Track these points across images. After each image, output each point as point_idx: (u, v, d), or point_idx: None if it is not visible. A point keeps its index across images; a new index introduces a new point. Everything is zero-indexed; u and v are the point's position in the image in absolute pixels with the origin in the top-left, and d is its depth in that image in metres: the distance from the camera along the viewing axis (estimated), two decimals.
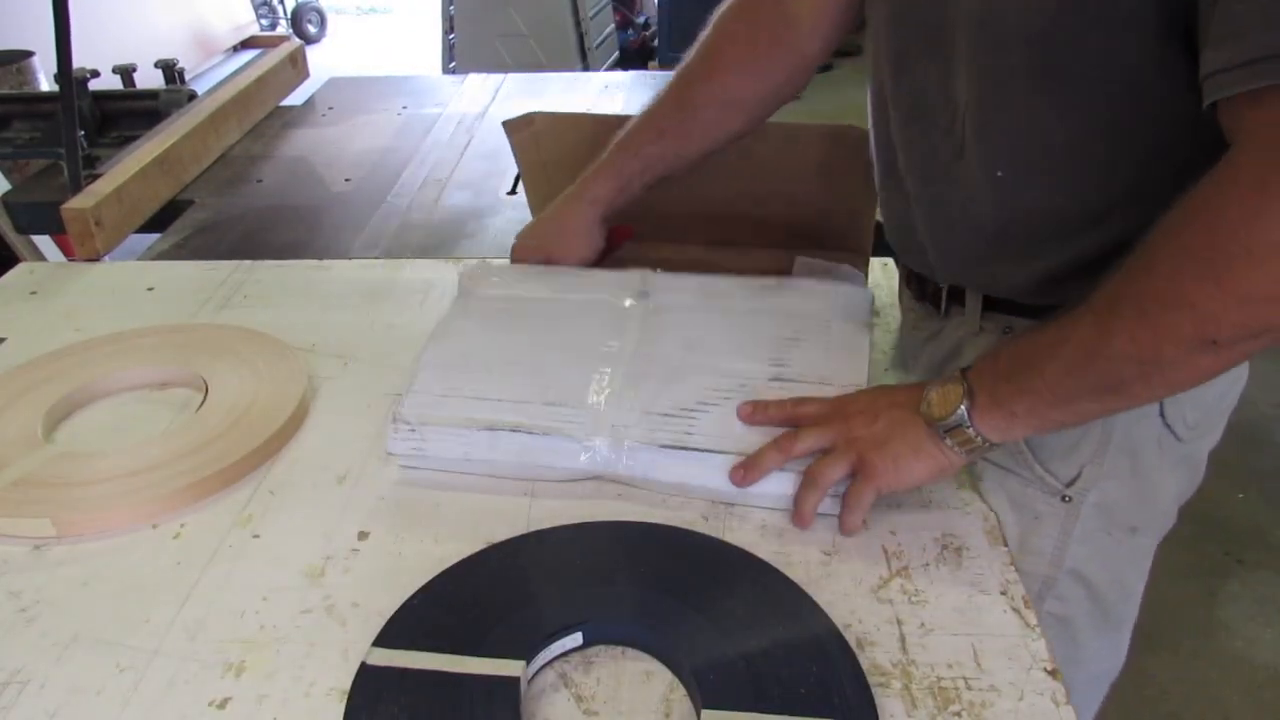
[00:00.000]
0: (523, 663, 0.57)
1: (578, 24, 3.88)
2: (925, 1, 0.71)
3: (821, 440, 0.69)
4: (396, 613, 0.61)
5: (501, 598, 0.62)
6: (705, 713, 0.54)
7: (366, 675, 0.57)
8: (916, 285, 0.87)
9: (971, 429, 0.65)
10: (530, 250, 0.93)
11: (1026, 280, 0.74)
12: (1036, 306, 0.75)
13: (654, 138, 0.89)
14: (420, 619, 0.61)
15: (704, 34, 0.89)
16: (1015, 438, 0.67)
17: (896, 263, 0.91)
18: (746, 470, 0.69)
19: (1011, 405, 0.64)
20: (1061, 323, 0.62)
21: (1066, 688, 0.57)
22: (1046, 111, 0.66)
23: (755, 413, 0.73)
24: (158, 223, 1.28)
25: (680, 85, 0.89)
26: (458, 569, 0.65)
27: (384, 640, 0.59)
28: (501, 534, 0.68)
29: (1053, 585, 0.80)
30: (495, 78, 1.82)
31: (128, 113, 1.55)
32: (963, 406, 0.65)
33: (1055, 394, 0.62)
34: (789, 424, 0.72)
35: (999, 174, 0.70)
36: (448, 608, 0.61)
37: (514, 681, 0.56)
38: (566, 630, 0.59)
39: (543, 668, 0.59)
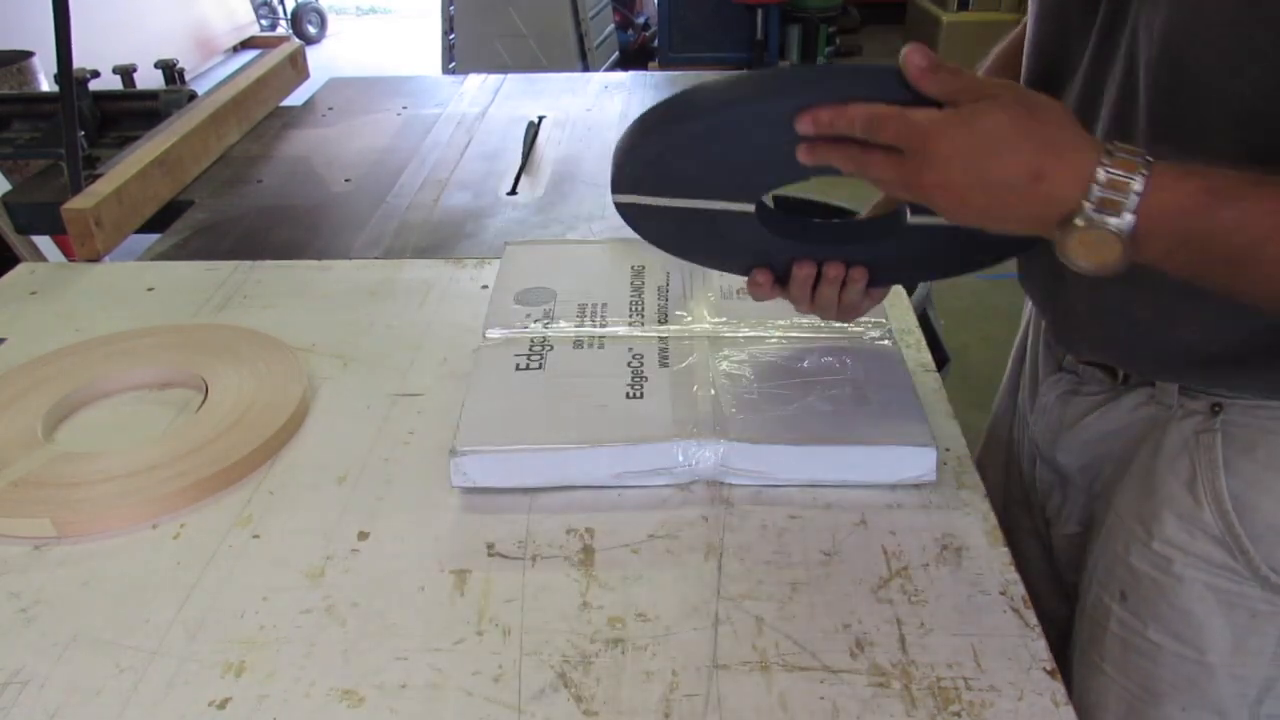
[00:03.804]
0: (752, 206, 0.65)
1: (578, 24, 3.88)
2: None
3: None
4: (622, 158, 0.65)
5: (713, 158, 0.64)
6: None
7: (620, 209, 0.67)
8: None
9: (1130, 212, 0.50)
10: None
11: (1235, 334, 0.65)
12: (1251, 374, 0.65)
13: None
14: (648, 167, 0.65)
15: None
16: (1157, 252, 0.53)
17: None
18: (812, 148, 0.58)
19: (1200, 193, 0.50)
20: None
21: (1066, 687, 0.57)
22: None
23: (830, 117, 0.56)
24: (158, 223, 1.28)
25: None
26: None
27: (618, 188, 0.66)
28: (501, 534, 0.68)
29: (1273, 686, 0.72)
30: (495, 78, 1.82)
31: (128, 113, 1.55)
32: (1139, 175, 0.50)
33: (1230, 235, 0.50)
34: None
35: None
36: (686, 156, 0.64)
37: (749, 214, 0.65)
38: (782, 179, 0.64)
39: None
